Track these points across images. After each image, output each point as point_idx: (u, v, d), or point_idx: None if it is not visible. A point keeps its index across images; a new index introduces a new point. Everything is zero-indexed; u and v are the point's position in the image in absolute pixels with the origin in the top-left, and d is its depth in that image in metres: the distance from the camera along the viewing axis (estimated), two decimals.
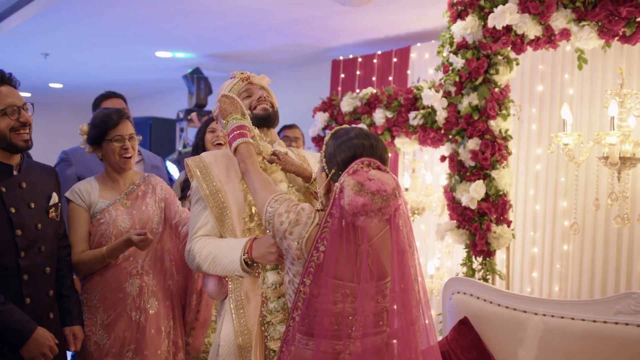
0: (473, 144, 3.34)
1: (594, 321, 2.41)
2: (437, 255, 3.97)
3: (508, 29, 3.16)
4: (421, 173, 4.02)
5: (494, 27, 3.18)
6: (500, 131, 3.36)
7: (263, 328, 1.86)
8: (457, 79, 3.44)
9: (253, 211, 1.97)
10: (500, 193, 3.33)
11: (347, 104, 4.07)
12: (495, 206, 3.33)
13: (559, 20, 3.00)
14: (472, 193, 3.29)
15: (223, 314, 2.00)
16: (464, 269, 3.42)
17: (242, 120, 1.98)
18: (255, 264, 1.89)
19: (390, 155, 4.31)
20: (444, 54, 3.57)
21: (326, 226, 1.57)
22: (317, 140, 4.33)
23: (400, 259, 1.59)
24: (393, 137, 3.84)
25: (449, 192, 3.47)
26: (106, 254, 2.45)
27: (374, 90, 4.01)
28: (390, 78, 4.78)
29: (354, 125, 1.78)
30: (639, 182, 3.25)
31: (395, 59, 4.78)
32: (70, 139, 5.21)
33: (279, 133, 4.28)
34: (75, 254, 2.46)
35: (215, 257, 1.92)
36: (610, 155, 2.89)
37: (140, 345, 2.48)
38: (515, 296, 2.66)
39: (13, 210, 2.12)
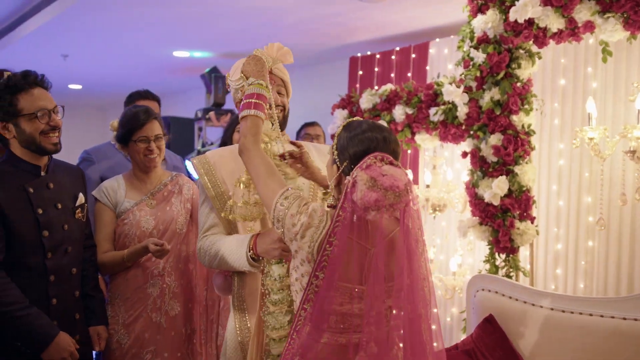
0: (495, 139, 3.30)
1: (624, 319, 2.36)
2: (459, 252, 3.93)
3: (530, 22, 3.12)
4: (442, 169, 3.98)
5: (516, 21, 3.14)
6: (522, 126, 3.31)
7: (264, 318, 1.87)
8: (478, 73, 3.40)
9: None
10: (524, 189, 3.28)
11: (366, 101, 4.04)
12: (519, 202, 3.28)
13: (583, 12, 2.95)
14: (495, 189, 3.25)
15: (230, 311, 2.03)
16: (487, 266, 3.38)
17: (263, 89, 1.83)
18: (261, 258, 1.89)
19: (410, 151, 4.28)
20: (465, 49, 3.53)
21: (338, 220, 1.57)
22: None
23: (409, 261, 1.58)
24: (413, 134, 3.81)
25: (471, 188, 3.43)
26: (126, 257, 2.47)
27: (394, 87, 3.97)
28: (409, 74, 4.74)
29: (366, 119, 1.76)
30: None
31: (413, 55, 4.74)
32: (90, 139, 5.25)
33: (300, 130, 4.27)
34: (98, 254, 2.47)
35: (223, 256, 1.94)
36: (636, 149, 2.84)
37: (160, 347, 2.48)
38: (541, 293, 2.63)
39: (40, 211, 2.13)
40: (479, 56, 3.38)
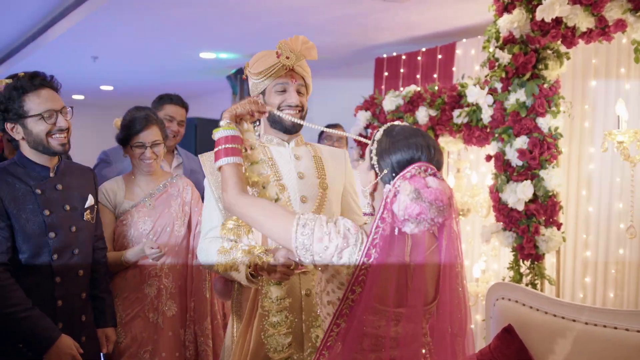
0: (520, 142, 3.19)
1: None
2: (482, 258, 3.82)
3: (558, 21, 3.00)
4: (466, 173, 3.88)
5: (543, 20, 3.02)
6: (549, 129, 3.19)
7: (265, 341, 1.81)
8: (503, 74, 3.30)
9: None
10: (550, 194, 3.17)
11: (389, 103, 3.98)
12: (544, 208, 3.16)
13: (614, 10, 2.83)
14: (520, 194, 3.14)
15: (230, 316, 2.00)
16: (511, 273, 3.28)
17: (232, 129, 1.69)
18: (259, 276, 1.83)
19: None
20: (490, 49, 3.43)
21: (377, 231, 1.48)
22: (359, 140, 4.26)
23: (444, 281, 1.52)
24: (437, 136, 3.73)
25: (495, 192, 3.33)
26: (124, 258, 2.50)
27: (417, 88, 3.90)
28: (435, 75, 4.65)
29: (406, 123, 1.66)
30: None
31: (440, 56, 4.65)
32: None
33: (322, 132, 4.23)
34: None
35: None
36: None
37: (157, 346, 2.52)
38: (563, 303, 2.51)
39: (47, 212, 2.12)
40: (505, 57, 3.28)
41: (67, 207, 2.19)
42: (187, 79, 7.05)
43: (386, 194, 1.50)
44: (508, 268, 3.30)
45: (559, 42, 3.13)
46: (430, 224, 1.46)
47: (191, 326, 2.64)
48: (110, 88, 7.99)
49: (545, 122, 3.18)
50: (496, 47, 3.36)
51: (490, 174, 3.48)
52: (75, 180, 2.27)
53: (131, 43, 5.50)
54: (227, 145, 1.67)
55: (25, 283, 2.06)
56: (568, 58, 3.25)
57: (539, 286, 3.19)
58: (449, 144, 3.69)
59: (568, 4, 2.93)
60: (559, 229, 3.19)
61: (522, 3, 3.17)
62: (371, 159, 1.59)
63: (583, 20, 2.93)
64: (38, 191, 2.12)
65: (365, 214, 1.66)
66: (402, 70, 4.95)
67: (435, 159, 1.56)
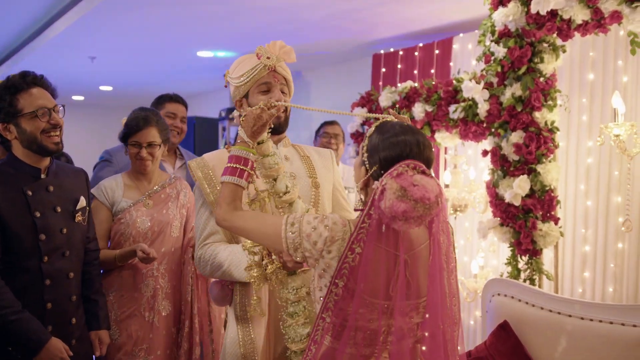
0: (517, 137, 3.17)
1: None
2: (480, 253, 3.80)
3: (553, 14, 2.98)
4: (463, 168, 3.86)
5: (538, 13, 3.00)
6: (546, 123, 3.17)
7: (283, 331, 1.80)
8: (499, 69, 3.27)
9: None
10: (547, 188, 3.14)
11: (385, 99, 3.96)
12: (541, 202, 3.14)
13: (609, 2, 2.80)
14: (516, 189, 3.12)
15: (228, 321, 1.97)
16: (509, 269, 3.26)
17: (250, 152, 1.72)
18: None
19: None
20: (486, 44, 3.41)
21: (363, 227, 1.49)
22: (356, 136, 4.24)
23: (440, 278, 1.52)
24: (433, 132, 3.70)
25: (492, 188, 3.30)
26: (117, 258, 2.52)
27: (413, 84, 3.87)
28: (433, 71, 4.62)
29: (399, 121, 1.66)
30: None
31: (437, 51, 4.62)
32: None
33: (319, 129, 4.21)
34: None
35: (230, 265, 1.88)
36: None
37: (152, 345, 2.54)
38: (559, 299, 2.49)
39: (38, 214, 2.10)
40: (500, 51, 3.25)
41: (58, 209, 2.17)
42: (185, 78, 7.04)
43: (374, 190, 1.50)
44: (506, 264, 3.28)
45: (554, 35, 3.10)
46: (417, 221, 1.46)
47: (184, 324, 2.65)
48: (109, 88, 7.98)
49: (541, 116, 3.16)
50: (492, 41, 3.34)
51: (487, 169, 3.45)
52: (67, 182, 2.25)
53: (128, 43, 5.49)
54: (235, 165, 1.70)
55: (14, 285, 2.04)
56: (564, 51, 3.22)
57: (537, 281, 3.16)
58: (445, 140, 3.67)
59: None
60: (556, 223, 3.17)
61: None
62: (362, 155, 1.60)
63: (578, 13, 2.90)
64: (29, 192, 2.10)
65: (356, 210, 1.66)
66: (399, 66, 4.92)
67: (425, 156, 1.56)
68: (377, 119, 1.71)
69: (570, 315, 2.37)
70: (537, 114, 3.16)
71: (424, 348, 1.61)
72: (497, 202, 3.25)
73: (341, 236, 1.53)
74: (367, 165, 1.59)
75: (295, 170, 2.03)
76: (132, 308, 2.55)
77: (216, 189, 1.92)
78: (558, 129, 3.18)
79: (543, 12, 2.98)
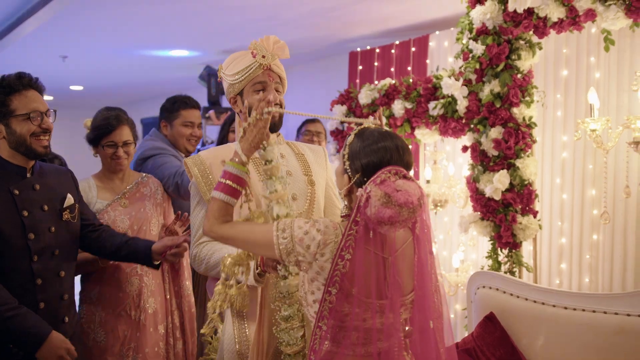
0: (496, 132, 3.23)
1: (628, 315, 2.30)
2: (461, 247, 3.86)
3: (530, 12, 3.05)
4: (443, 164, 3.92)
5: (515, 11, 3.07)
6: (524, 119, 3.24)
7: (277, 335, 1.81)
8: (477, 66, 3.33)
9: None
10: (526, 183, 3.22)
11: (365, 96, 3.98)
12: (521, 196, 3.21)
13: (584, 0, 2.88)
14: (496, 183, 3.19)
15: (225, 318, 1.97)
16: (490, 262, 3.32)
17: (244, 172, 1.72)
18: (266, 274, 1.84)
19: (410, 147, 4.21)
20: (464, 41, 3.46)
21: (351, 234, 1.54)
22: (336, 133, 4.26)
23: (422, 272, 1.58)
24: (413, 129, 3.74)
25: (472, 183, 3.36)
26: (100, 258, 2.51)
27: (393, 81, 3.91)
28: (409, 68, 4.67)
29: (377, 127, 1.70)
30: None
31: (413, 49, 4.67)
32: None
33: (300, 127, 4.22)
34: None
35: None
36: None
37: (140, 343, 2.55)
38: (543, 290, 2.56)
39: (26, 213, 2.09)
40: (478, 48, 3.31)
41: (45, 207, 2.16)
42: (159, 76, 6.96)
43: (359, 197, 1.55)
44: (486, 257, 3.35)
45: (531, 32, 3.17)
46: (403, 224, 1.53)
47: (169, 320, 2.70)
48: (80, 88, 7.85)
49: (519, 112, 3.23)
50: (470, 38, 3.39)
51: (466, 165, 3.52)
52: (53, 180, 2.24)
53: (100, 41, 5.41)
54: (229, 183, 1.70)
55: (6, 286, 2.03)
56: (540, 48, 3.30)
57: (517, 274, 3.24)
58: (425, 136, 3.71)
59: None
60: (535, 216, 3.25)
61: None
62: (344, 163, 1.65)
63: (554, 11, 2.98)
64: (16, 192, 2.09)
65: (342, 216, 1.70)
66: (376, 64, 4.95)
67: (405, 160, 1.62)
68: (361, 123, 1.75)
69: (554, 306, 2.44)
70: (515, 110, 3.23)
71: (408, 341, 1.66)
72: (478, 197, 3.32)
73: (333, 239, 1.58)
74: (349, 173, 1.64)
75: (290, 168, 2.04)
76: (118, 308, 2.55)
77: (212, 186, 1.90)
78: (536, 125, 3.26)
79: (520, 10, 3.04)
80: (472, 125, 3.38)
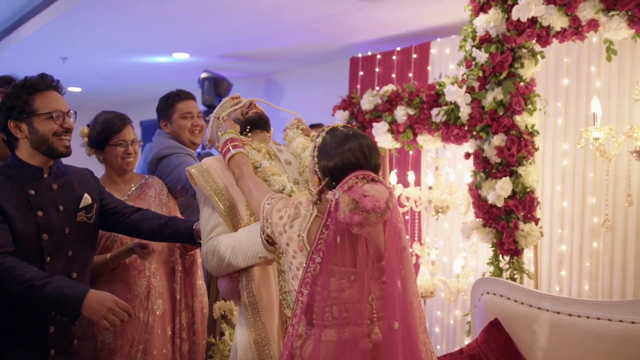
0: (498, 140, 3.26)
1: (633, 322, 2.32)
2: (462, 254, 3.88)
3: (533, 21, 3.08)
4: (445, 171, 3.94)
5: (519, 20, 3.10)
6: (526, 126, 3.27)
7: (281, 297, 1.90)
8: (480, 73, 3.36)
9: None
10: (528, 190, 3.24)
11: (367, 102, 4.00)
12: (523, 203, 3.24)
13: (587, 10, 2.91)
14: (499, 190, 3.21)
15: (238, 318, 2.01)
16: (491, 268, 3.34)
17: (232, 133, 2.04)
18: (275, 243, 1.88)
19: (412, 153, 4.23)
20: (467, 49, 3.49)
21: (322, 237, 1.59)
22: None
23: (392, 271, 1.62)
24: (415, 135, 3.76)
25: (474, 189, 3.38)
26: (110, 259, 2.52)
27: (395, 87, 3.93)
28: (410, 75, 4.70)
29: (346, 125, 1.76)
30: None
31: (415, 55, 4.70)
32: None
33: None
34: None
35: (235, 247, 1.92)
36: None
37: (148, 345, 2.55)
38: (548, 297, 2.58)
39: (40, 213, 2.09)
40: (481, 56, 3.34)
41: (61, 208, 2.16)
42: (159, 79, 6.96)
43: (329, 202, 1.60)
44: (488, 263, 3.37)
45: (534, 41, 3.20)
46: (373, 226, 1.59)
47: (177, 322, 2.69)
48: (78, 90, 7.83)
49: (522, 120, 3.26)
50: (473, 46, 3.42)
51: (468, 172, 3.54)
52: (70, 181, 2.24)
53: (102, 43, 5.40)
54: (233, 143, 2.01)
55: None
56: (543, 57, 3.33)
57: (518, 280, 3.26)
58: (427, 143, 3.73)
59: (543, 4, 3.01)
60: (537, 224, 3.27)
61: (498, 3, 3.23)
62: (314, 164, 1.70)
63: (557, 20, 3.01)
64: (31, 192, 2.10)
65: (314, 203, 1.75)
66: (377, 70, 4.98)
67: (372, 162, 1.66)
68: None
69: (558, 312, 2.46)
70: (517, 118, 3.25)
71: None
72: (480, 204, 3.34)
73: (303, 214, 1.67)
74: (319, 175, 1.69)
75: (288, 158, 2.15)
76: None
77: (214, 183, 2.03)
78: (538, 132, 3.29)
79: (523, 19, 3.07)
80: (474, 132, 3.41)
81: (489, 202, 3.26)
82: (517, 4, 3.09)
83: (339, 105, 4.25)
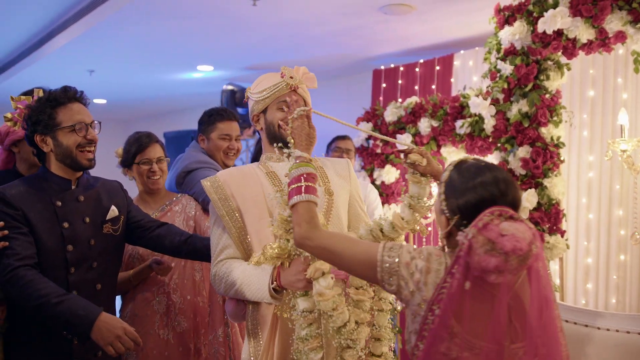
0: (523, 152, 3.25)
1: None
2: None
3: (559, 33, 3.08)
4: None
5: (544, 32, 3.10)
6: (551, 138, 3.26)
7: (296, 357, 1.77)
8: (505, 85, 3.36)
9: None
10: (553, 202, 3.23)
11: (391, 114, 4.03)
12: (548, 215, 3.22)
13: (614, 22, 2.91)
14: (524, 202, 3.20)
15: (245, 338, 1.96)
16: None
17: (309, 166, 1.68)
18: (283, 290, 1.80)
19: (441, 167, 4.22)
20: (491, 61, 3.50)
21: (444, 287, 1.39)
22: (361, 150, 4.29)
23: (544, 310, 1.39)
24: (439, 147, 3.78)
25: None
26: (132, 277, 2.55)
27: (419, 99, 3.95)
28: (433, 87, 4.71)
29: (476, 158, 1.56)
30: None
31: (438, 67, 4.72)
32: (113, 153, 5.31)
33: (331, 143, 4.24)
34: None
35: (242, 285, 1.85)
36: None
37: None
38: (576, 310, 2.56)
39: (66, 225, 2.10)
40: (506, 68, 3.35)
41: (87, 219, 2.17)
42: (183, 91, 7.05)
43: (459, 246, 1.39)
44: None
45: (559, 53, 3.20)
46: (512, 273, 1.36)
47: (203, 338, 2.64)
48: (103, 101, 7.96)
49: (547, 132, 3.25)
50: (498, 58, 3.43)
51: None
52: (99, 192, 2.25)
53: (127, 56, 5.50)
54: (308, 183, 1.66)
55: None
56: (569, 69, 3.33)
57: None
58: (451, 154, 3.74)
59: (569, 16, 3.01)
60: (562, 236, 3.25)
61: (523, 15, 3.24)
62: (441, 203, 1.50)
63: (584, 32, 3.01)
64: (58, 203, 2.11)
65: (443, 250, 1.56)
66: (400, 82, 5.00)
67: (510, 197, 1.44)
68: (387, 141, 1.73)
69: (586, 325, 2.44)
70: (543, 130, 3.25)
71: None
72: None
73: (436, 267, 1.45)
74: (447, 214, 1.48)
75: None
76: (147, 327, 2.52)
77: (226, 200, 1.92)
78: (564, 144, 3.28)
79: (549, 32, 3.08)
80: (499, 144, 3.40)
81: None
82: (542, 16, 3.09)
83: (363, 117, 4.28)
